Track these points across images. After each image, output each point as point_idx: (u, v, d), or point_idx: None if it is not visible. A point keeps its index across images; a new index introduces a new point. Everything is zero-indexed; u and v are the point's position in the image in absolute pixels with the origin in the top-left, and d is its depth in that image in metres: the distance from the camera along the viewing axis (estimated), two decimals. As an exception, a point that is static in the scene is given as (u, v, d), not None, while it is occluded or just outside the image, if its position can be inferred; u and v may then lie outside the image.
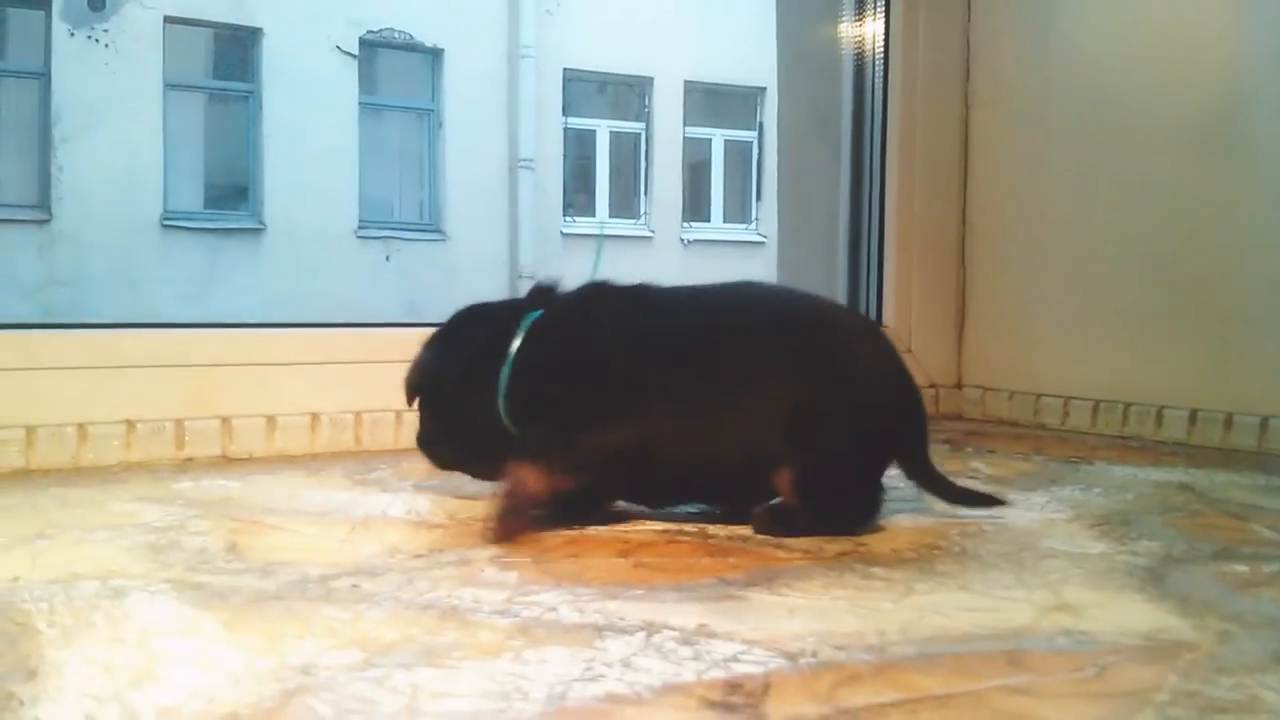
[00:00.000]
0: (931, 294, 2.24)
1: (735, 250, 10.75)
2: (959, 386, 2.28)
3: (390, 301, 8.77)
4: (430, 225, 9.96)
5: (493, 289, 9.41)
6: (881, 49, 2.28)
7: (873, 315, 2.27)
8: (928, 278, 2.25)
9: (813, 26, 2.48)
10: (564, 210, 10.57)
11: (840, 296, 2.30)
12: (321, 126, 9.08)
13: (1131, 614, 0.83)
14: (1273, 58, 1.74)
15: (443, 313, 1.36)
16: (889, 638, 0.78)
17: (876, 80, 2.28)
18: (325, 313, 7.34)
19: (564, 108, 10.55)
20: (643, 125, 11.15)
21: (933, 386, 2.23)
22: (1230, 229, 1.81)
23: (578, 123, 10.87)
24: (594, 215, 10.94)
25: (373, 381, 1.68)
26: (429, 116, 9.98)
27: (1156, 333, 1.91)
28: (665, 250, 10.62)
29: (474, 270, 9.50)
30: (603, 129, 11.05)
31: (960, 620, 0.82)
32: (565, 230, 10.35)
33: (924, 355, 2.22)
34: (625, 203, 11.17)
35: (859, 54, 2.35)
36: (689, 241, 10.94)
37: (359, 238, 9.43)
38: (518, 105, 10.00)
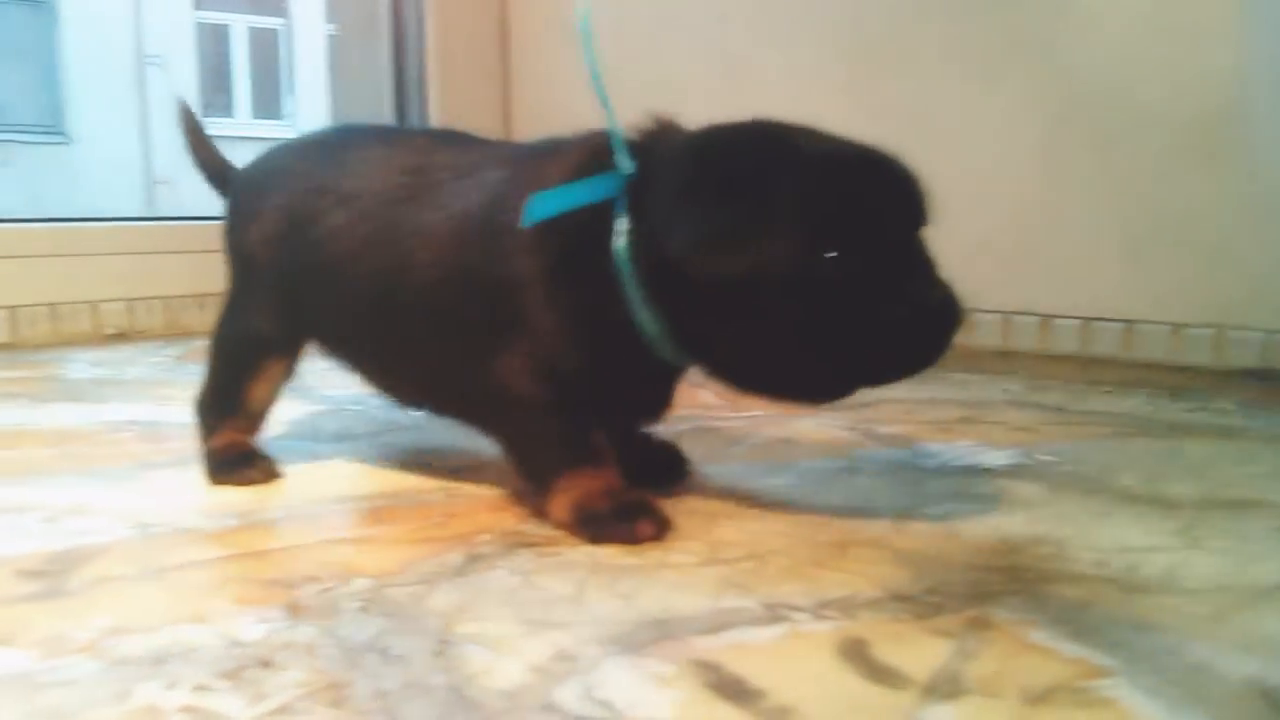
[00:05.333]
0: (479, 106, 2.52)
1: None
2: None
3: (6, 211, 8.26)
4: (51, 127, 9.37)
5: (126, 196, 9.04)
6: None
7: None
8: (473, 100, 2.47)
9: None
10: (201, 111, 10.22)
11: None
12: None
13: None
14: None
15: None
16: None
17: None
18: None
19: (195, 1, 10.13)
20: (284, 20, 10.89)
21: None
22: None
23: (211, 17, 10.46)
24: (233, 116, 10.63)
25: None
26: (42, 7, 9.31)
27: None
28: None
29: (102, 175, 9.08)
30: (239, 24, 10.71)
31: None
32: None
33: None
34: (268, 103, 10.92)
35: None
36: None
37: (-38, 140, 8.75)
38: (142, -3, 9.52)
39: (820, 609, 0.70)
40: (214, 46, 10.53)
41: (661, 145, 0.86)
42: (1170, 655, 0.64)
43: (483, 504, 0.93)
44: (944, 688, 0.59)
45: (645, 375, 0.89)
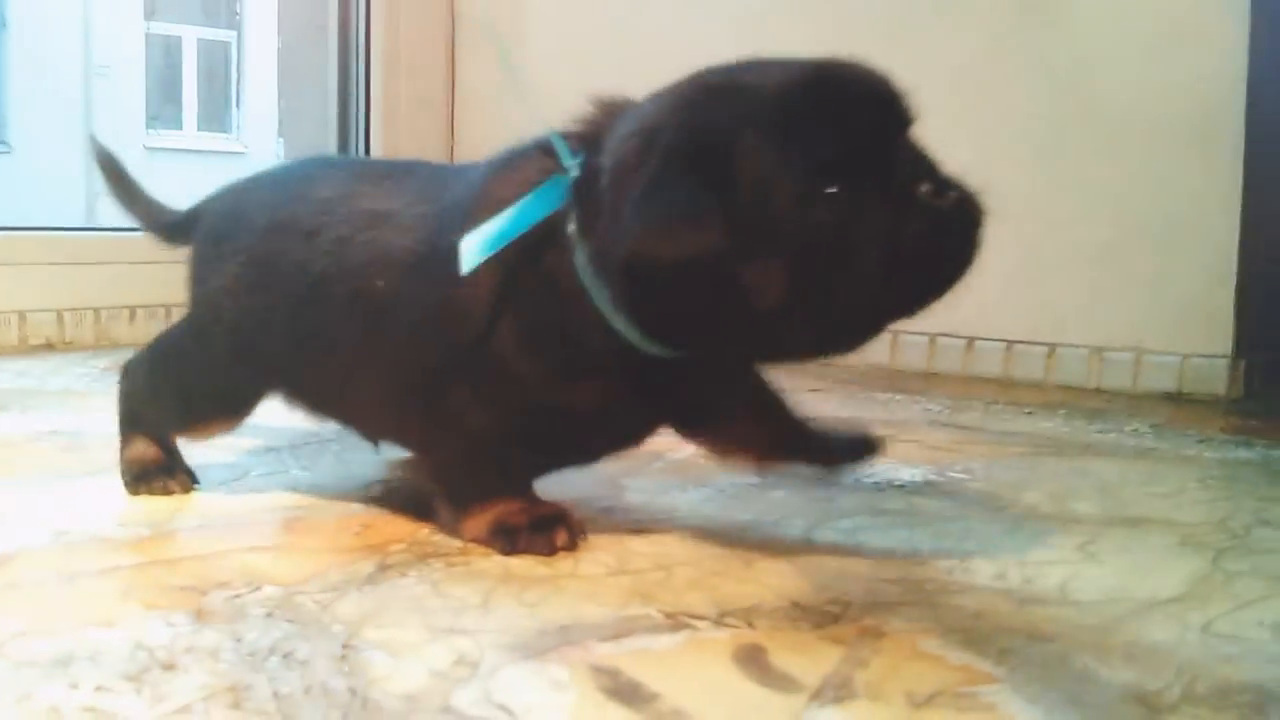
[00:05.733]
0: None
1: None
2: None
3: (-54, 220, 8.10)
4: (-9, 135, 9.23)
5: (67, 206, 8.91)
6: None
7: None
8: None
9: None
10: (148, 123, 10.13)
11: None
12: None
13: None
14: None
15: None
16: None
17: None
18: None
19: (146, 12, 10.05)
20: (235, 33, 10.83)
21: None
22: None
23: (162, 28, 10.38)
24: (181, 128, 10.54)
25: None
26: (-12, 14, 9.19)
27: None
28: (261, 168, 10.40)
29: (43, 185, 8.94)
30: (190, 35, 10.63)
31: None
32: (150, 144, 9.92)
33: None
34: (217, 116, 10.85)
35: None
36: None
37: (-99, 147, 8.59)
38: (91, 6, 9.42)
39: (722, 617, 0.72)
40: (164, 58, 10.44)
41: (607, 133, 0.80)
42: (1055, 664, 0.66)
43: (399, 516, 0.94)
44: (832, 692, 0.61)
45: (641, 379, 0.82)
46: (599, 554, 0.84)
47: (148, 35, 10.13)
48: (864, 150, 0.73)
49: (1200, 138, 1.65)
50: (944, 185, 0.75)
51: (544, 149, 0.84)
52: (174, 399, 1.01)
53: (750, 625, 0.71)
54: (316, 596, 0.74)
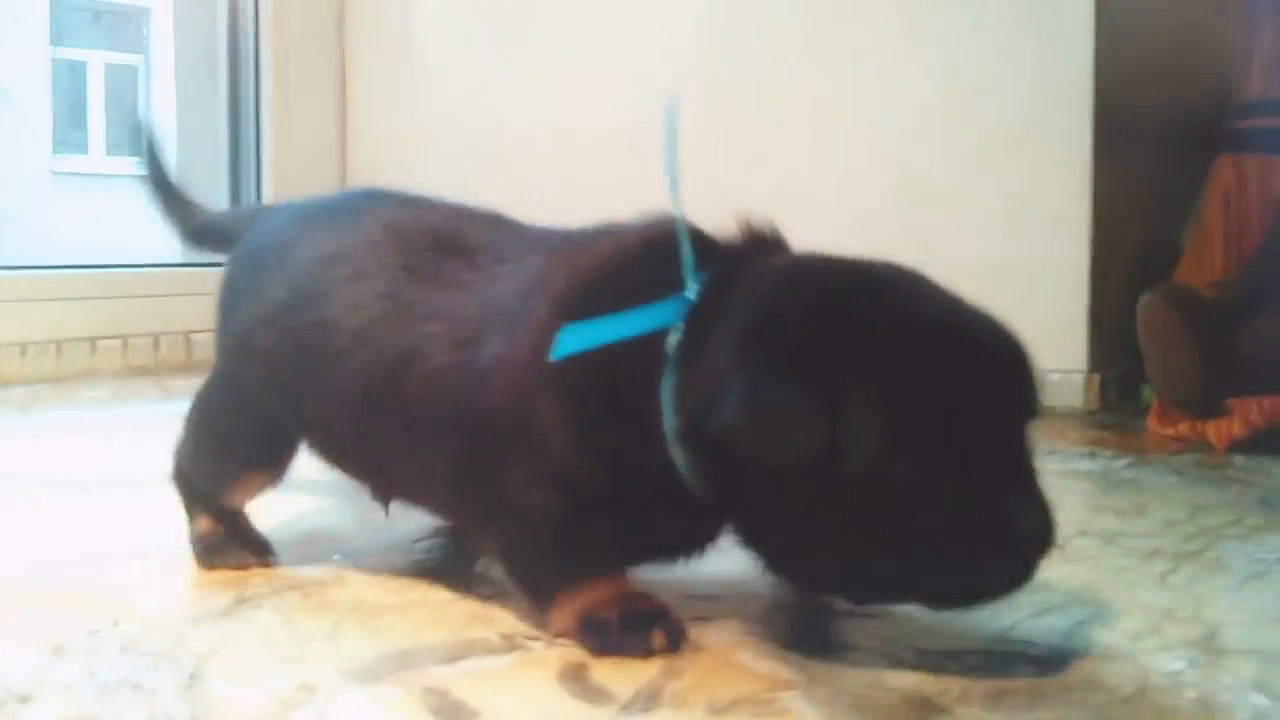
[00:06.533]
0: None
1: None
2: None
3: None
4: (-113, 161, 9.00)
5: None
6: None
7: None
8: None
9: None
10: (55, 148, 9.95)
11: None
12: None
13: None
14: None
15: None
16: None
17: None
18: None
19: (52, 36, 9.88)
20: (141, 57, 10.69)
21: None
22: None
23: (67, 53, 10.21)
24: (88, 153, 10.38)
25: None
26: (-119, 38, 8.97)
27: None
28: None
29: (-56, 213, 8.74)
30: (96, 60, 10.47)
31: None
32: (57, 169, 9.74)
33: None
34: (124, 140, 10.68)
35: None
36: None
37: None
38: (-8, 30, 9.25)
39: (555, 639, 0.77)
40: (70, 82, 10.28)
41: (743, 272, 0.75)
42: (850, 670, 0.72)
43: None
44: (641, 703, 0.67)
45: (679, 509, 0.77)
46: (449, 578, 0.89)
47: (53, 59, 9.96)
48: (973, 436, 0.67)
49: (1058, 163, 1.76)
50: (1031, 503, 0.69)
51: (649, 248, 0.78)
52: (210, 456, 0.95)
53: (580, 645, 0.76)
54: (172, 630, 0.78)
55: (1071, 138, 1.74)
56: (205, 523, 0.95)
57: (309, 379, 0.87)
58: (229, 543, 0.93)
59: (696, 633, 0.78)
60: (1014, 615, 0.81)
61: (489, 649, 0.75)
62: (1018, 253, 1.77)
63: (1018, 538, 0.68)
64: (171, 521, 1.06)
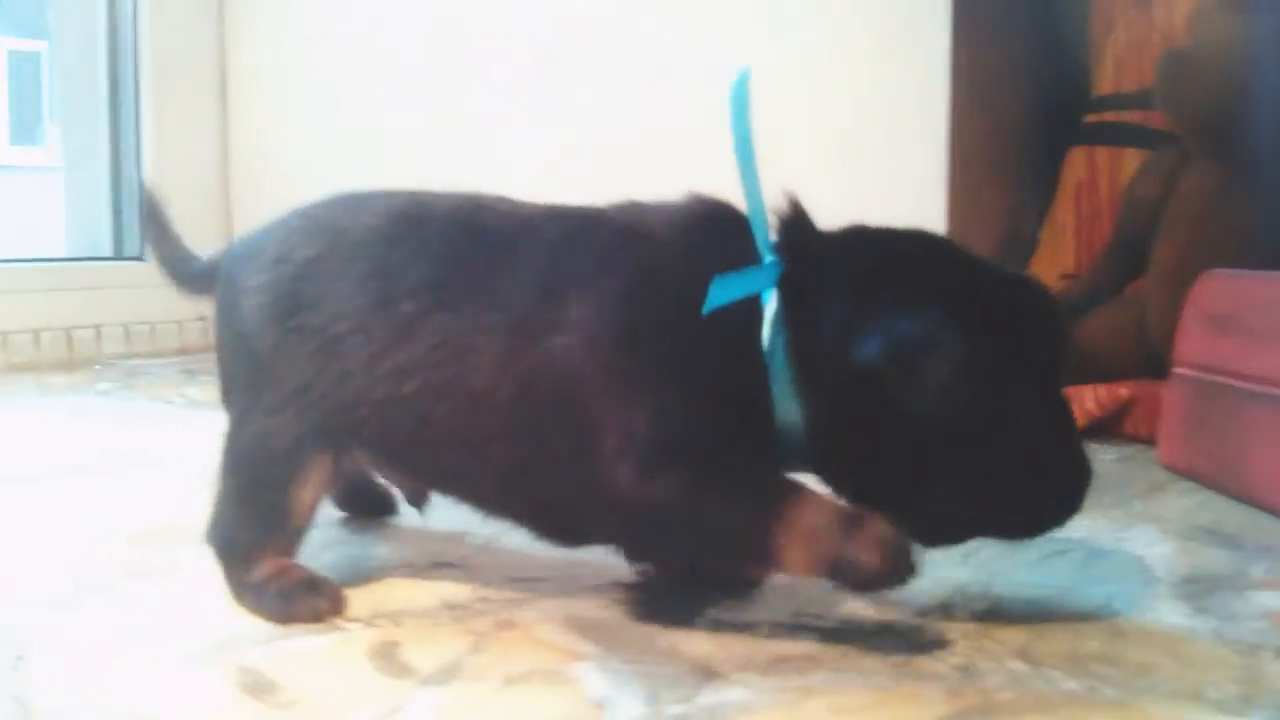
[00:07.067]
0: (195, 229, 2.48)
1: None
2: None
3: None
4: None
5: None
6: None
7: (136, 252, 2.40)
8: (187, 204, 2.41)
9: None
10: (-45, 137, 9.70)
11: (106, 235, 2.43)
12: None
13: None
14: None
15: None
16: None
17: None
18: None
19: (-52, 22, 9.62)
20: (46, 43, 10.46)
21: (201, 319, 2.34)
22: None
23: (-34, 39, 9.96)
24: (-10, 142, 10.13)
25: None
26: None
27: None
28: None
29: None
30: (-2, 47, 10.23)
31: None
32: (-42, 159, 9.49)
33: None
34: (29, 129, 10.45)
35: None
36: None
37: None
38: (-112, 16, 8.98)
39: (374, 619, 0.82)
40: (-30, 69, 10.03)
41: (813, 240, 0.81)
42: (647, 642, 0.78)
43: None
44: (441, 676, 0.72)
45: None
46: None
47: (-47, 47, 9.71)
48: (1048, 383, 0.79)
49: (915, 160, 1.83)
50: (1075, 440, 0.80)
51: (723, 218, 0.83)
52: (249, 479, 0.86)
53: (398, 625, 0.81)
54: (29, 612, 0.82)
55: (928, 133, 1.82)
56: (266, 569, 0.84)
57: (343, 368, 0.83)
58: (300, 588, 0.83)
59: (511, 612, 0.83)
60: (814, 590, 0.87)
61: (309, 631, 0.80)
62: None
63: (1081, 472, 0.79)
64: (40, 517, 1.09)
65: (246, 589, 0.84)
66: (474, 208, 0.86)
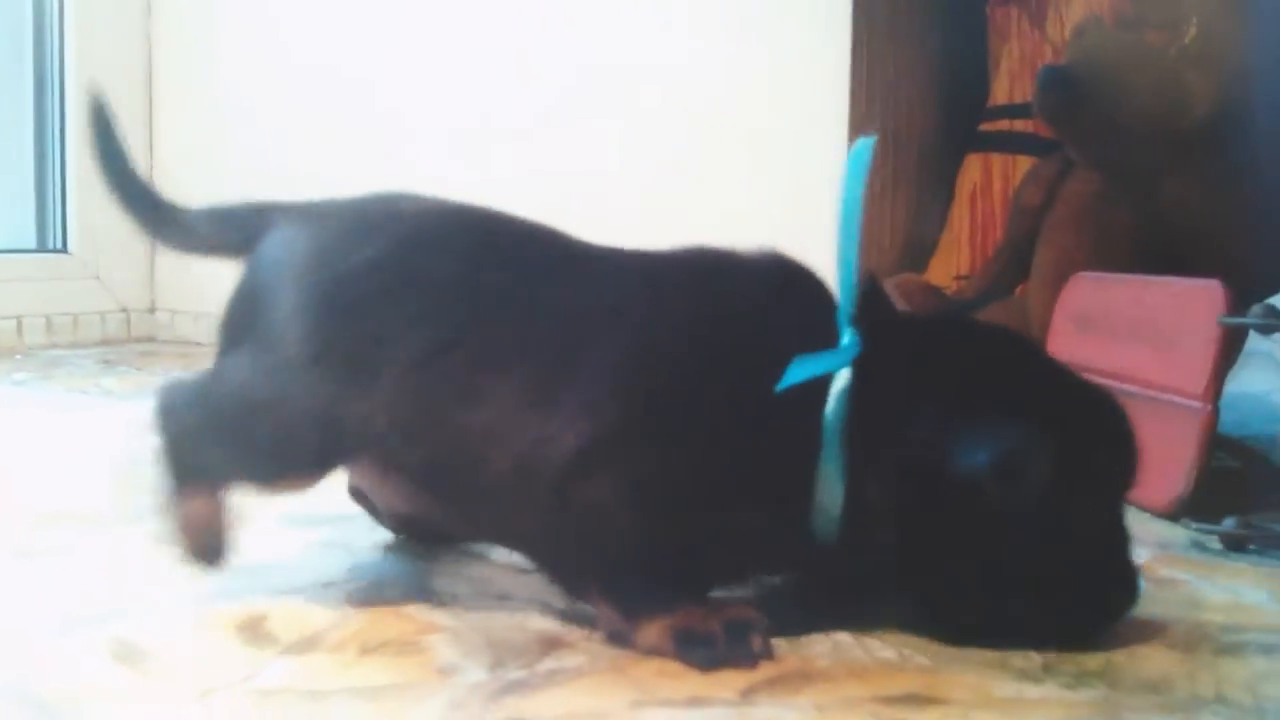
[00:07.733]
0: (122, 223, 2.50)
1: None
2: (152, 310, 2.53)
3: None
4: None
5: None
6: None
7: (59, 244, 2.41)
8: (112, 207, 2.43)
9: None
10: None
11: (29, 227, 2.43)
12: None
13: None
14: None
15: None
16: None
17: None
18: None
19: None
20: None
21: (124, 310, 2.46)
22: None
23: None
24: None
25: None
26: None
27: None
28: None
29: None
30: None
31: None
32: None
33: (113, 281, 2.45)
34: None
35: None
36: None
37: None
38: None
39: (246, 595, 0.86)
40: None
41: (893, 323, 0.82)
42: (500, 615, 0.83)
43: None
44: (301, 645, 0.77)
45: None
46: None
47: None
48: (1109, 485, 0.79)
49: (820, 166, 1.90)
50: (1129, 559, 0.80)
51: (802, 285, 0.82)
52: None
53: (274, 601, 0.85)
54: None
55: (829, 138, 1.88)
56: (196, 507, 0.85)
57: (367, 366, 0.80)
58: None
59: (374, 592, 0.88)
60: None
61: (180, 604, 0.84)
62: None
63: (1129, 590, 0.80)
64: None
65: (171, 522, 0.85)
66: (567, 256, 0.83)
